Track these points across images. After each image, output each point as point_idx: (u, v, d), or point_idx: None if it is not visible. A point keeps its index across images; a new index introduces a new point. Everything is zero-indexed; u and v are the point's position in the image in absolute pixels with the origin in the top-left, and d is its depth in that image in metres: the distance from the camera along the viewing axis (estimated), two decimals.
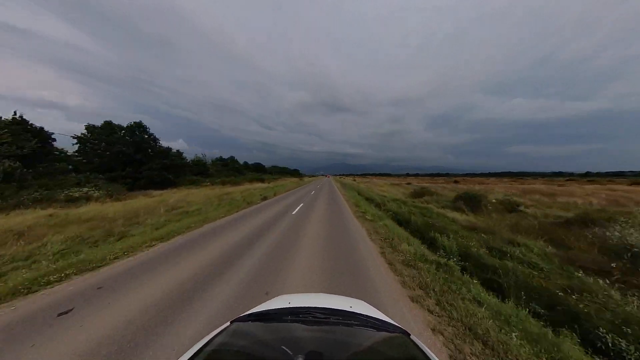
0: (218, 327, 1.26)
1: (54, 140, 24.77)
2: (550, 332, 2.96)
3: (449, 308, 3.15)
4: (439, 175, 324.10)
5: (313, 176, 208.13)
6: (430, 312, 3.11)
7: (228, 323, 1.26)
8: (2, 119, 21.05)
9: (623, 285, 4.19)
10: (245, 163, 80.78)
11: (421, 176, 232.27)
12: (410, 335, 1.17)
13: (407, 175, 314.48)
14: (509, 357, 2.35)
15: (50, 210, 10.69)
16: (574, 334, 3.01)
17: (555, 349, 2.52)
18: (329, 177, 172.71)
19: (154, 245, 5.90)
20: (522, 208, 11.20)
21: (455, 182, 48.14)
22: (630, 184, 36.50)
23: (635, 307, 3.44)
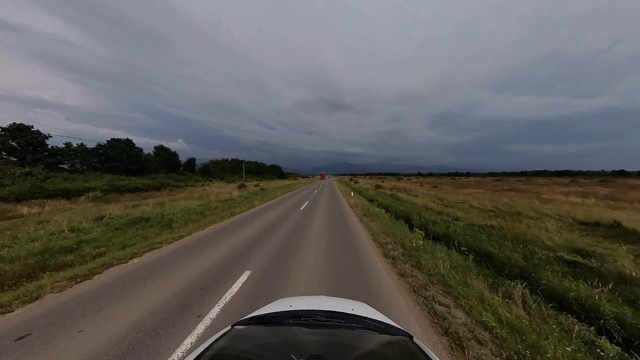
0: (219, 331, 1.22)
1: None
2: None
3: None
4: (456, 174, 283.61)
5: (308, 177, 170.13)
6: None
7: (229, 327, 1.24)
8: None
9: None
10: (162, 148, 46.65)
11: (436, 176, 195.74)
12: (413, 338, 1.16)
13: (419, 174, 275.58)
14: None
15: None
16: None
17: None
18: (325, 176, 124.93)
19: None
20: None
21: None
22: None
23: None
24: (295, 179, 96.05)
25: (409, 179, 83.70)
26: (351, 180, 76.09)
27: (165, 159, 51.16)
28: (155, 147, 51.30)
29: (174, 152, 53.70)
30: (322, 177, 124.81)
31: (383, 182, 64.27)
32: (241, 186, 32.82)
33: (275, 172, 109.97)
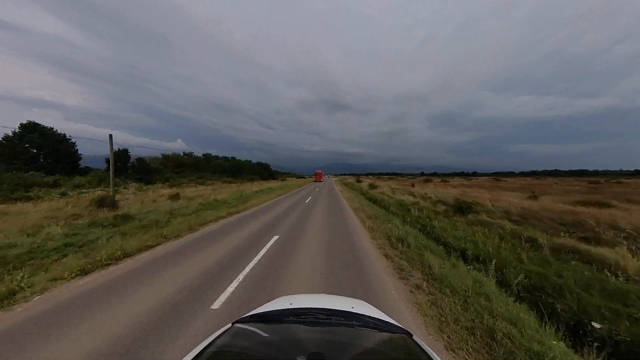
0: (220, 329, 1.22)
1: None
2: None
3: None
4: (463, 174, 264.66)
5: (304, 177, 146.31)
6: None
7: (229, 324, 1.23)
8: None
9: None
10: (32, 128, 23.12)
11: (442, 175, 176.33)
12: (412, 335, 1.14)
13: (422, 174, 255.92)
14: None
15: None
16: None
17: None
18: (322, 177, 78.84)
19: None
20: None
21: None
22: None
23: None
24: (284, 180, 72.42)
25: (445, 181, 61.05)
26: (358, 181, 51.37)
27: (37, 145, 27.85)
28: (20, 125, 28.01)
29: (64, 137, 30.41)
30: (317, 178, 69.02)
31: (413, 185, 42.59)
32: (101, 203, 10.48)
33: (259, 171, 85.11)
